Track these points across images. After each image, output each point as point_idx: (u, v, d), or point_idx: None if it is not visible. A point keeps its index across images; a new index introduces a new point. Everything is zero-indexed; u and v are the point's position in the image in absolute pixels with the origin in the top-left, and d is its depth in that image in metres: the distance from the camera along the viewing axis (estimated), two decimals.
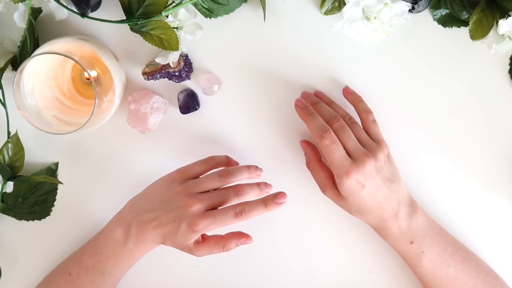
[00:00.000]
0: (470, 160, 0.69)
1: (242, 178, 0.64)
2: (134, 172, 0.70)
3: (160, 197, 0.63)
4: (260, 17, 0.66)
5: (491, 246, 0.69)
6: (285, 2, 0.67)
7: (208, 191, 0.62)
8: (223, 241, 0.61)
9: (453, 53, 0.68)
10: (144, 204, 0.63)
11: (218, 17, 0.67)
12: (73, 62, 0.59)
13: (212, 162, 0.65)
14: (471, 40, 0.64)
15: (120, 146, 0.70)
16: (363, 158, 0.61)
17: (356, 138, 0.63)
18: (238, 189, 0.62)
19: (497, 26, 0.63)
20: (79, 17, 0.63)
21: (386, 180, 0.62)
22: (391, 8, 0.63)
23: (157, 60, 0.66)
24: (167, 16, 0.63)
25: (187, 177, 0.63)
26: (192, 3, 0.64)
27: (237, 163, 0.67)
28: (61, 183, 0.66)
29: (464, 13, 0.66)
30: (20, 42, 0.66)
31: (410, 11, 0.65)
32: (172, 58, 0.65)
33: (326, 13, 0.67)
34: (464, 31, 0.65)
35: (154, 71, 0.67)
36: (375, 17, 0.64)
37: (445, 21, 0.67)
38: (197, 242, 0.61)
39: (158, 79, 0.67)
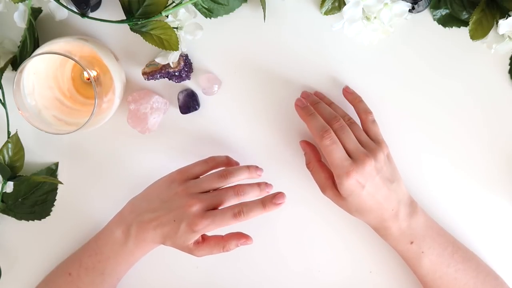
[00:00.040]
0: (470, 160, 0.69)
1: (242, 178, 0.64)
2: (134, 172, 0.70)
3: (160, 197, 0.63)
4: (260, 17, 0.66)
5: (491, 246, 0.69)
6: (285, 2, 0.67)
7: (209, 191, 0.62)
8: (223, 241, 0.61)
9: (453, 53, 0.68)
10: (144, 204, 0.63)
11: (218, 17, 0.67)
12: (73, 62, 0.59)
13: (212, 162, 0.65)
14: (471, 40, 0.64)
15: (120, 146, 0.70)
16: (363, 158, 0.61)
17: (356, 138, 0.63)
18: (238, 189, 0.62)
19: (497, 26, 0.63)
20: (79, 17, 0.63)
21: (386, 180, 0.62)
22: (391, 8, 0.63)
23: (157, 60, 0.66)
24: (167, 16, 0.63)
25: (188, 177, 0.63)
26: (192, 3, 0.64)
27: (237, 163, 0.67)
28: (61, 183, 0.66)
29: (464, 13, 0.66)
30: (20, 42, 0.66)
31: (410, 11, 0.65)
32: (172, 58, 0.65)
33: (326, 13, 0.67)
34: (464, 31, 0.65)
35: (154, 71, 0.67)
36: (375, 17, 0.64)
37: (445, 21, 0.67)
38: (197, 243, 0.61)
39: (158, 79, 0.67)
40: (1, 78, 0.65)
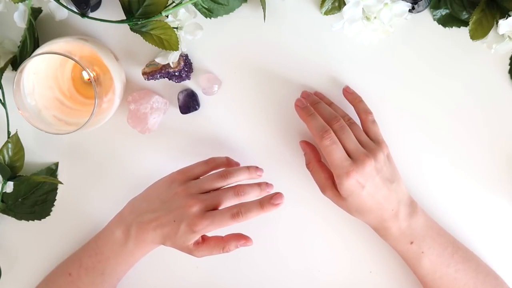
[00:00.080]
0: (470, 160, 0.69)
1: (242, 179, 0.64)
2: (134, 172, 0.70)
3: (160, 197, 0.63)
4: (260, 17, 0.66)
5: (491, 246, 0.69)
6: (285, 2, 0.67)
7: (209, 191, 0.62)
8: (222, 242, 0.61)
9: (453, 53, 0.68)
10: (144, 205, 0.63)
11: (218, 17, 0.67)
12: (73, 62, 0.59)
13: (212, 163, 0.65)
14: (471, 40, 0.64)
15: (120, 146, 0.70)
16: (363, 158, 0.61)
17: (356, 138, 0.63)
18: (238, 189, 0.62)
19: (497, 26, 0.63)
20: (79, 17, 0.63)
21: (386, 181, 0.62)
22: (391, 8, 0.63)
23: (157, 60, 0.66)
24: (167, 16, 0.63)
25: (188, 177, 0.63)
26: (192, 3, 0.64)
27: (237, 164, 0.67)
28: (61, 183, 0.66)
29: (464, 13, 0.66)
30: (20, 42, 0.66)
31: (410, 11, 0.65)
32: (172, 58, 0.65)
33: (326, 13, 0.67)
34: (464, 31, 0.65)
35: (154, 71, 0.67)
36: (375, 17, 0.64)
37: (445, 21, 0.67)
38: (197, 243, 0.61)
39: (158, 79, 0.67)
40: (1, 78, 0.65)
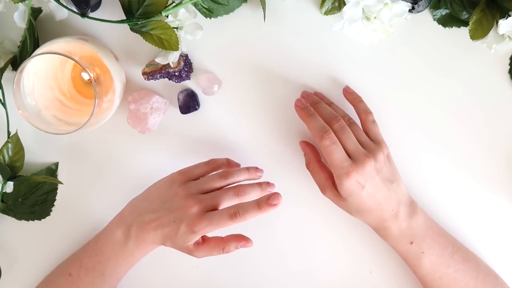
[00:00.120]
0: (470, 160, 0.69)
1: (242, 179, 0.64)
2: (134, 172, 0.70)
3: (160, 198, 0.63)
4: (260, 17, 0.66)
5: (491, 246, 0.69)
6: (285, 2, 0.67)
7: (209, 192, 0.62)
8: (223, 243, 0.61)
9: (453, 53, 0.68)
10: (144, 205, 0.63)
11: (218, 17, 0.67)
12: (73, 62, 0.59)
13: (213, 164, 0.65)
14: (471, 40, 0.64)
15: (120, 146, 0.70)
16: (363, 158, 0.61)
17: (356, 139, 0.63)
18: (238, 189, 0.62)
19: (497, 26, 0.63)
20: (79, 17, 0.63)
21: (386, 181, 0.62)
22: (391, 8, 0.63)
23: (157, 60, 0.66)
24: (167, 16, 0.63)
25: (188, 178, 0.63)
26: (192, 3, 0.64)
27: (238, 165, 0.67)
28: (61, 183, 0.66)
29: (464, 13, 0.66)
30: (20, 42, 0.66)
31: (410, 11, 0.65)
32: (172, 58, 0.65)
33: (326, 13, 0.67)
34: (464, 31, 0.65)
35: (154, 71, 0.67)
36: (375, 17, 0.64)
37: (445, 21, 0.67)
38: (197, 244, 0.61)
39: (158, 79, 0.67)
40: (1, 78, 0.65)
